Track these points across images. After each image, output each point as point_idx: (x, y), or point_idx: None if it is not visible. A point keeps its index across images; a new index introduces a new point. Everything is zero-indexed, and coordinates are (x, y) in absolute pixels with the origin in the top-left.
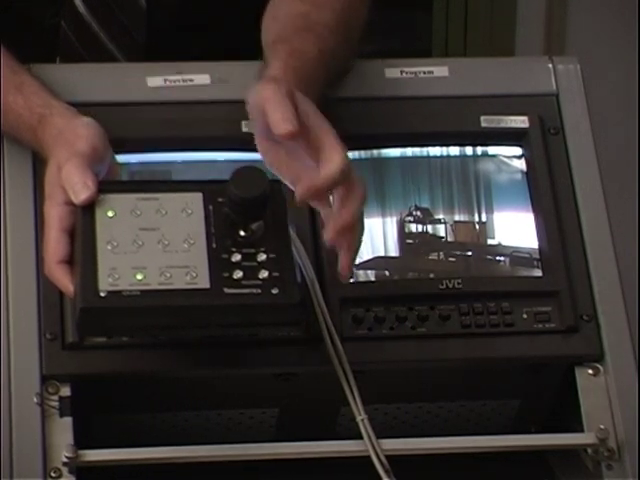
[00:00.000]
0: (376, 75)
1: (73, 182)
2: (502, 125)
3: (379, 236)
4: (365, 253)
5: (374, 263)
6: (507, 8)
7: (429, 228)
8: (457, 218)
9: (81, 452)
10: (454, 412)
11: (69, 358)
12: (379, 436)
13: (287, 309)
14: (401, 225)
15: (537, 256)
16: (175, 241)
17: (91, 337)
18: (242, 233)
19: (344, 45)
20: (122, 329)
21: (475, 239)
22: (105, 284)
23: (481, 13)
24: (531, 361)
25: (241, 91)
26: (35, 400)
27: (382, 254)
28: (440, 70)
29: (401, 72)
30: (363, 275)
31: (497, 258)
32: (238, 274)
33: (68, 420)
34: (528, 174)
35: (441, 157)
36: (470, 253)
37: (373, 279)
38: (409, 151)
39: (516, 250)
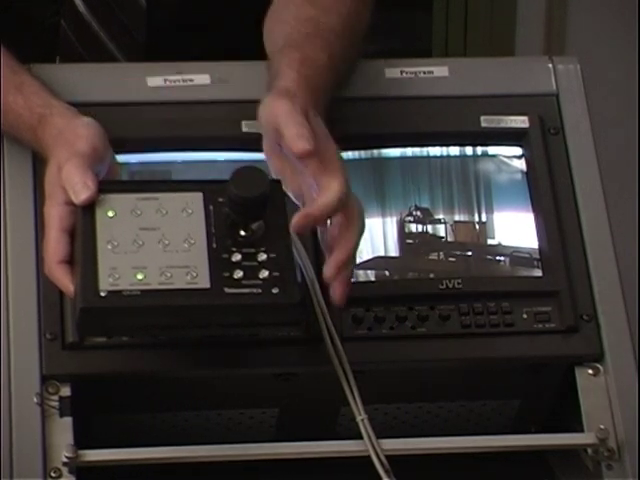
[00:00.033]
0: (376, 75)
1: (73, 182)
2: (502, 125)
3: (379, 236)
4: (365, 253)
5: (374, 263)
6: (507, 8)
7: (429, 228)
8: (457, 218)
9: (81, 452)
10: (454, 412)
11: (69, 358)
12: (379, 436)
13: (287, 309)
14: (401, 225)
15: (537, 256)
16: (175, 241)
17: (91, 337)
18: (242, 233)
19: (350, 49)
20: (122, 329)
21: (475, 239)
22: (105, 284)
23: (481, 13)
24: (531, 361)
25: (241, 91)
26: (35, 400)
27: (382, 254)
28: (440, 70)
29: (401, 72)
30: (363, 275)
31: (497, 258)
32: (238, 274)
33: (68, 420)
34: (528, 174)
35: (441, 157)
36: (470, 253)
37: (373, 279)
38: (409, 151)
39: (516, 250)
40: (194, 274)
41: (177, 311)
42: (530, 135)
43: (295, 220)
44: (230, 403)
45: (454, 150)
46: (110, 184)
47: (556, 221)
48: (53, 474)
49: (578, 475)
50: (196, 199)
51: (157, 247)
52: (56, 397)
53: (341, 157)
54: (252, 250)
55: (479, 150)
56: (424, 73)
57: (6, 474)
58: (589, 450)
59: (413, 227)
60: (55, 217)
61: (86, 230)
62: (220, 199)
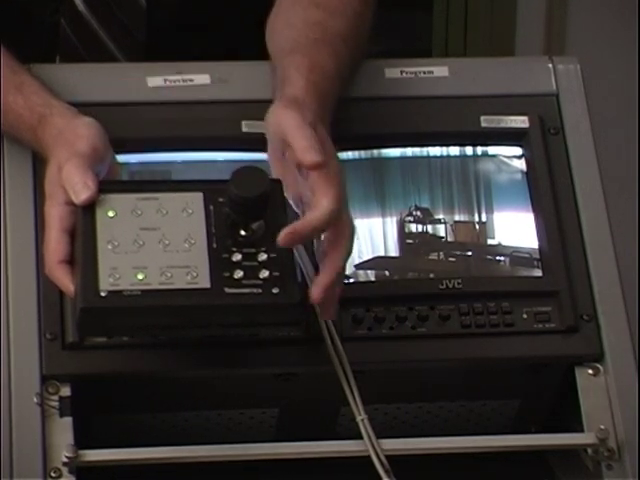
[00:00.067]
0: (376, 75)
1: (73, 182)
2: (502, 125)
3: (379, 236)
4: (365, 253)
5: (374, 263)
6: (507, 8)
7: (429, 228)
8: (457, 218)
9: (81, 452)
10: (454, 412)
11: (69, 358)
12: (379, 436)
13: (287, 309)
14: (401, 225)
15: (537, 256)
16: (176, 241)
17: (92, 337)
18: (243, 233)
19: (355, 52)
20: (123, 329)
21: (475, 239)
22: (106, 284)
23: (481, 13)
24: (531, 361)
25: (241, 91)
26: (35, 400)
27: (382, 254)
28: (440, 70)
29: (401, 72)
30: (363, 275)
31: (497, 258)
32: (239, 274)
33: (68, 420)
34: (528, 174)
35: (441, 157)
36: (470, 253)
37: (373, 279)
38: (409, 151)
39: (516, 250)
40: (194, 274)
41: (177, 311)
42: (530, 135)
43: (282, 235)
44: (230, 403)
45: (454, 150)
46: (110, 184)
47: (556, 221)
48: (53, 474)
49: (578, 475)
50: (196, 199)
51: (157, 247)
52: (56, 397)
53: (341, 171)
54: (252, 250)
55: (479, 150)
56: (424, 73)
57: (6, 474)
58: (589, 450)
59: (413, 227)
60: (55, 217)
61: (86, 230)
62: (220, 199)
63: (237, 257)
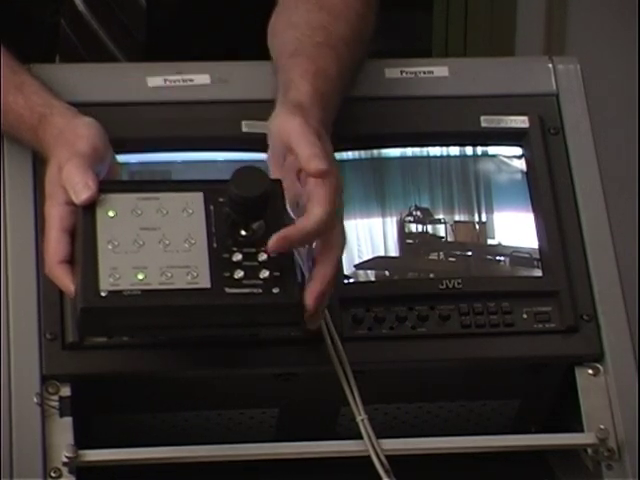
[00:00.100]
0: (376, 75)
1: (74, 182)
2: (502, 125)
3: (379, 236)
4: (365, 253)
5: (374, 263)
6: (507, 8)
7: (429, 228)
8: (457, 218)
9: (81, 452)
10: (454, 412)
11: (69, 358)
12: (379, 436)
13: (288, 309)
14: (401, 225)
15: (537, 256)
16: (176, 241)
17: (92, 337)
18: (243, 233)
19: (356, 55)
20: (123, 329)
21: (475, 239)
22: (106, 284)
23: (481, 13)
24: (531, 361)
25: (241, 91)
26: (35, 400)
27: (382, 254)
28: (440, 70)
29: (401, 72)
30: (363, 275)
31: (497, 258)
32: (239, 274)
33: (68, 420)
34: (528, 174)
35: (441, 157)
36: (470, 253)
37: (373, 279)
38: (409, 151)
39: (516, 250)
40: (194, 274)
41: (177, 311)
42: (530, 135)
43: (273, 240)
44: (230, 403)
45: (454, 150)
46: (110, 184)
47: (556, 221)
48: (53, 474)
49: (578, 475)
50: (196, 199)
51: (158, 247)
52: (56, 397)
53: (340, 180)
54: (252, 250)
55: (479, 150)
56: (424, 73)
57: (6, 474)
58: (589, 450)
59: (413, 227)
60: (55, 217)
61: (87, 230)
62: (220, 199)
63: (237, 257)
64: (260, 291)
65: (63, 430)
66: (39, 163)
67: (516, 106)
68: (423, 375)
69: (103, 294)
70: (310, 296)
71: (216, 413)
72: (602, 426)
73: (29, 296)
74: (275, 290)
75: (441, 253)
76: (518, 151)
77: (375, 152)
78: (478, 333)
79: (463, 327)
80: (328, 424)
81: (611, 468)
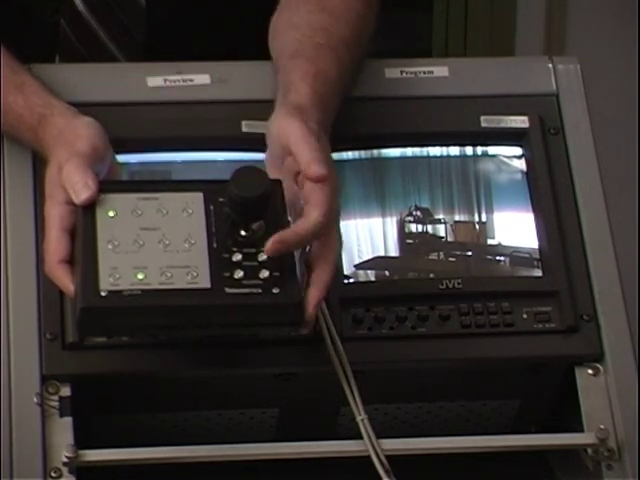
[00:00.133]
0: (376, 75)
1: (74, 182)
2: (502, 125)
3: (379, 236)
4: (365, 253)
5: (374, 263)
6: (507, 8)
7: (429, 228)
8: (457, 218)
9: (81, 452)
10: (454, 412)
11: (69, 358)
12: (379, 436)
13: (287, 309)
14: (401, 225)
15: (537, 256)
16: (176, 241)
17: (92, 337)
18: (243, 233)
19: (357, 57)
20: (123, 329)
21: (475, 239)
22: (106, 284)
23: (481, 13)
24: (531, 361)
25: (241, 91)
26: (35, 400)
27: (382, 254)
28: (440, 70)
29: (401, 72)
30: (363, 275)
31: (497, 258)
32: (239, 274)
33: (68, 420)
34: (528, 174)
35: (441, 157)
36: (470, 253)
37: (373, 279)
38: (409, 151)
39: (516, 250)
40: (194, 274)
41: (177, 311)
42: (530, 135)
43: (269, 244)
44: (230, 403)
45: (454, 150)
46: (110, 184)
47: (556, 221)
48: (53, 474)
49: (578, 475)
50: (196, 199)
51: (157, 247)
52: (56, 397)
53: (338, 184)
54: (252, 250)
55: (479, 150)
56: (424, 73)
57: (6, 474)
58: (589, 450)
59: (413, 227)
60: (55, 217)
61: (87, 230)
62: (220, 199)
63: (237, 257)
64: (260, 291)
65: (63, 430)
66: (39, 163)
67: (516, 106)
68: (423, 375)
69: (103, 294)
70: (311, 302)
71: (216, 413)
72: (602, 426)
73: (29, 296)
74: (275, 290)
75: (441, 253)
76: (518, 151)
77: (375, 152)
78: (478, 333)
79: (463, 327)
80: (328, 424)
81: (611, 468)
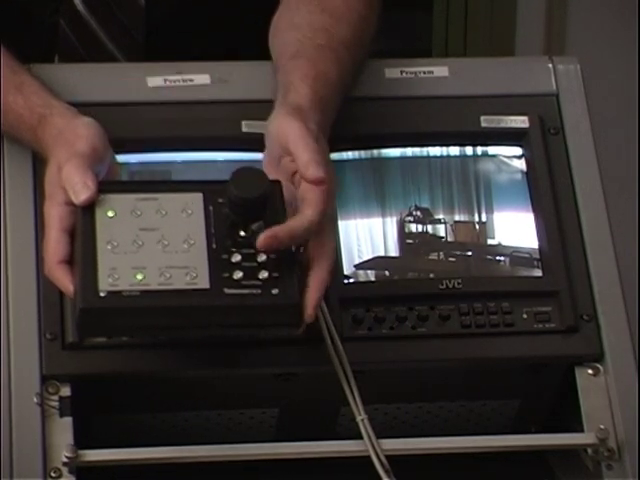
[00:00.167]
0: (376, 75)
1: (73, 182)
2: (502, 125)
3: (379, 236)
4: (365, 253)
5: (374, 263)
6: (507, 8)
7: (429, 228)
8: (457, 218)
9: (81, 452)
10: (454, 412)
11: (69, 358)
12: (379, 436)
13: (287, 310)
14: (401, 225)
15: (537, 256)
16: (175, 241)
17: (91, 337)
18: (242, 233)
19: (357, 58)
20: (122, 329)
21: (475, 239)
22: (105, 284)
23: (481, 13)
24: (531, 361)
25: (241, 91)
26: (35, 400)
27: (382, 254)
28: (440, 70)
29: (401, 72)
30: (363, 275)
31: (497, 258)
32: (238, 274)
33: (68, 420)
34: (528, 174)
35: (441, 157)
36: (470, 253)
37: (373, 279)
38: (409, 151)
39: (516, 250)
40: (194, 274)
41: (176, 312)
42: (530, 135)
43: (261, 239)
44: (230, 403)
45: (454, 150)
46: (110, 184)
47: (556, 221)
48: (53, 474)
49: (578, 475)
50: (196, 200)
51: (157, 247)
52: (56, 397)
53: (335, 184)
54: (252, 251)
55: (479, 150)
56: (424, 73)
57: (6, 474)
58: (589, 450)
59: (413, 227)
60: (55, 217)
61: (86, 230)
62: (220, 200)
63: (236, 258)
64: (259, 292)
65: (63, 430)
66: (39, 163)
67: (516, 106)
68: (423, 375)
69: (102, 294)
70: (310, 303)
71: (216, 413)
72: (602, 426)
73: (29, 296)
74: (274, 291)
75: (441, 253)
76: (518, 151)
77: (375, 152)
78: (478, 333)
79: (463, 327)
80: (328, 424)
81: (611, 468)
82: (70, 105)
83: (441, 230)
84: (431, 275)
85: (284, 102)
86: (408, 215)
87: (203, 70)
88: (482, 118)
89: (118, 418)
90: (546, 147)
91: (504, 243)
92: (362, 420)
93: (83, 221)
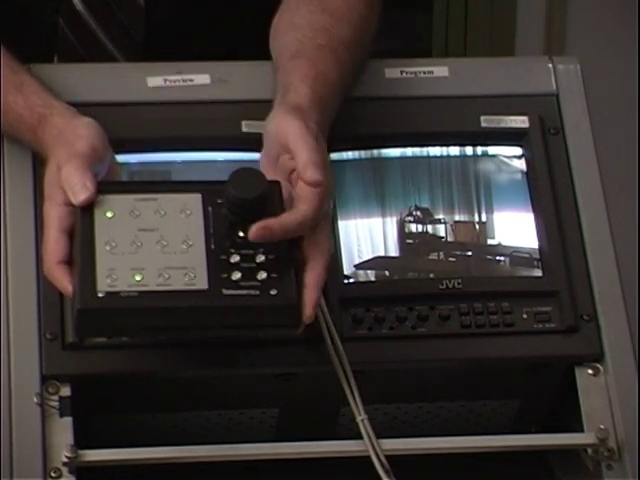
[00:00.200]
0: (376, 75)
1: (72, 183)
2: (502, 125)
3: (379, 236)
4: (365, 253)
5: (374, 263)
6: (507, 8)
7: (429, 228)
8: (457, 218)
9: (81, 452)
10: (454, 412)
11: (69, 358)
12: (379, 436)
13: (285, 310)
14: (401, 225)
15: (537, 256)
16: (174, 242)
17: (89, 338)
18: (241, 234)
19: (357, 58)
20: (120, 330)
21: (475, 239)
22: (103, 285)
23: (481, 13)
24: (531, 361)
25: (241, 91)
26: (35, 400)
27: (382, 254)
28: (440, 70)
29: (401, 72)
30: (363, 275)
31: (497, 258)
32: (236, 275)
33: (68, 420)
34: (528, 174)
35: (441, 157)
36: (470, 253)
37: (373, 279)
38: (409, 151)
39: (516, 250)
40: (192, 275)
41: (175, 312)
42: (530, 135)
43: (253, 229)
44: (230, 403)
45: (454, 150)
46: (109, 185)
47: (556, 221)
48: (53, 474)
49: (578, 475)
50: (195, 200)
51: (155, 248)
52: (56, 397)
53: (332, 184)
54: (250, 251)
55: (479, 150)
56: (424, 73)
57: (6, 474)
58: (589, 450)
59: (413, 227)
60: (54, 217)
61: (84, 231)
62: (219, 200)
63: (235, 258)
64: (257, 293)
65: (63, 430)
66: (39, 163)
67: (516, 106)
68: (423, 375)
69: (100, 295)
70: (309, 304)
71: (216, 413)
72: (602, 426)
73: (29, 296)
74: (273, 292)
75: (441, 253)
76: (518, 151)
77: (375, 152)
78: (478, 333)
79: (463, 327)
80: (328, 424)
81: (611, 468)
82: (70, 105)
83: (441, 230)
84: (431, 275)
85: (283, 102)
86: (408, 215)
87: (203, 70)
88: (482, 118)
89: (118, 418)
90: (546, 147)
91: (504, 243)
92: (362, 420)
93: (82, 222)
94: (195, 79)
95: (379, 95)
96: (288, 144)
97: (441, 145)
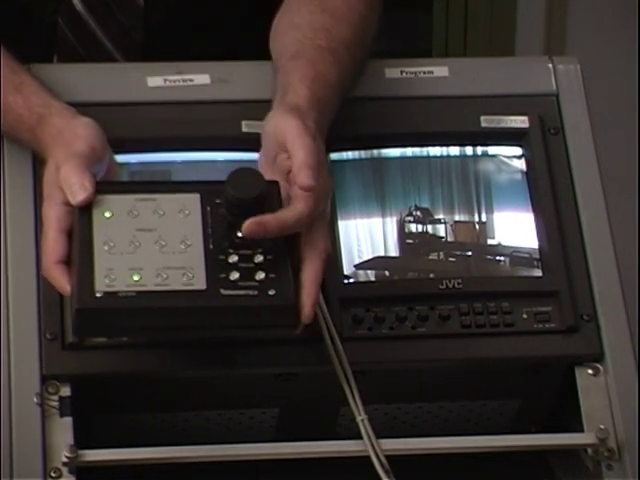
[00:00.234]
0: (376, 75)
1: (71, 183)
2: (502, 125)
3: (379, 236)
4: (365, 253)
5: (374, 263)
6: (507, 8)
7: (429, 228)
8: (457, 218)
9: (81, 452)
10: (454, 412)
11: (69, 358)
12: (379, 436)
13: (284, 310)
14: (401, 225)
15: (537, 256)
16: (172, 242)
17: (88, 338)
18: (239, 234)
19: (357, 58)
20: (118, 330)
21: (475, 239)
22: (101, 285)
23: (481, 13)
24: (531, 361)
25: (241, 91)
26: (35, 400)
27: (382, 254)
28: (440, 70)
29: (401, 72)
30: (363, 275)
31: (497, 258)
32: (235, 275)
33: (68, 420)
34: (528, 174)
35: (441, 157)
36: (470, 253)
37: (373, 279)
38: (409, 151)
39: (516, 250)
40: (190, 275)
41: (173, 312)
42: (530, 135)
43: (247, 224)
44: (230, 403)
45: (454, 150)
46: (107, 185)
47: (556, 221)
48: (53, 474)
49: (578, 475)
50: (193, 200)
51: (154, 248)
52: (56, 397)
53: (329, 185)
54: (249, 252)
55: (479, 150)
56: (424, 73)
57: (6, 474)
58: (589, 450)
59: (413, 227)
60: (53, 217)
61: (83, 231)
62: (217, 200)
63: (233, 259)
64: (256, 293)
65: (63, 430)
66: (39, 163)
67: (516, 106)
68: (423, 375)
69: (98, 295)
70: (307, 304)
71: (216, 413)
72: (602, 426)
73: (29, 296)
74: (271, 292)
75: (441, 253)
76: (518, 151)
77: (375, 152)
78: (478, 333)
79: (463, 327)
80: (328, 424)
81: (611, 468)
82: (70, 105)
83: (441, 230)
84: (431, 275)
85: (282, 102)
86: (408, 215)
87: (203, 70)
88: (482, 118)
89: (118, 418)
90: (546, 147)
91: (504, 243)
92: (362, 420)
93: (80, 222)
94: (195, 79)
95: (379, 95)
96: (286, 143)
97: (441, 145)
